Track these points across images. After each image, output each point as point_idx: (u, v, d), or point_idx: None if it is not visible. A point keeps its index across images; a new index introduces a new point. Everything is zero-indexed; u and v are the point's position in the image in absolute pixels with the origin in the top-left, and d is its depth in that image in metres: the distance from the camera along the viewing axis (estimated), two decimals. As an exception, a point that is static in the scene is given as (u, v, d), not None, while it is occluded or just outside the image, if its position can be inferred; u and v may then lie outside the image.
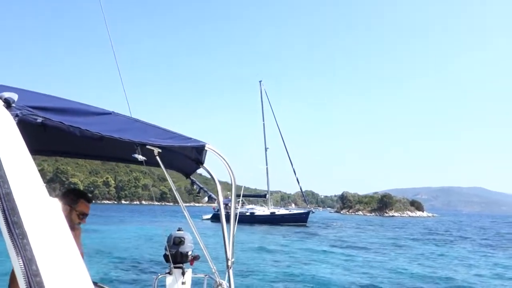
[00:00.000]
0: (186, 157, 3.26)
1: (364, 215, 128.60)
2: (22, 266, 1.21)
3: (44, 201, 1.40)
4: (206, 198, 3.30)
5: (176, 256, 4.17)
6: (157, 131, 2.56)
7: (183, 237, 4.25)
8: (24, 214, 1.27)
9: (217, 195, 3.13)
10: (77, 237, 3.29)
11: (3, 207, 1.23)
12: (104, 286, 3.67)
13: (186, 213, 2.99)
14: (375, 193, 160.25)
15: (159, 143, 2.49)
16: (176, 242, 4.23)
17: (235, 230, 3.35)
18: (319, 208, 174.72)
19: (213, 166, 3.15)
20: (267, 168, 64.01)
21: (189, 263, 4.27)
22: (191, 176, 3.77)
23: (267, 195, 65.15)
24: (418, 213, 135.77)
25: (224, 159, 2.97)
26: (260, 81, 65.03)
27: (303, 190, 67.38)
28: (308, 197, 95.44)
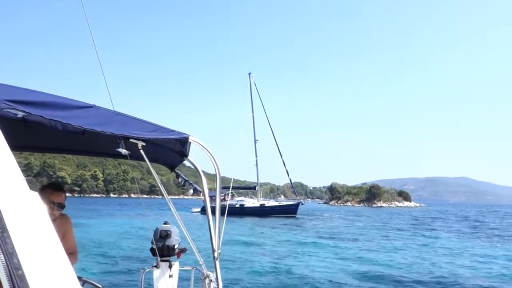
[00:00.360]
0: (170, 149, 3.25)
1: (353, 206, 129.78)
2: (3, 260, 1.20)
3: (24, 195, 1.40)
4: (191, 191, 3.30)
5: (163, 249, 4.16)
6: (140, 124, 2.54)
7: (169, 230, 4.24)
8: (3, 208, 1.27)
9: (202, 187, 3.12)
10: (60, 231, 3.26)
11: None
12: (89, 280, 3.66)
13: (171, 206, 2.99)
14: (364, 184, 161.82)
15: (142, 136, 2.46)
16: (162, 236, 4.22)
17: (221, 221, 3.36)
18: (308, 199, 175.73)
19: (199, 159, 3.15)
20: (256, 160, 64.15)
21: (176, 256, 4.28)
22: (175, 169, 3.77)
23: (256, 187, 65.32)
24: (406, 204, 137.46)
25: (208, 151, 2.96)
26: (249, 73, 64.93)
27: (292, 181, 67.67)
28: (297, 189, 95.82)
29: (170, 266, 4.18)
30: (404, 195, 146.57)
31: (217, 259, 3.27)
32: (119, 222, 38.02)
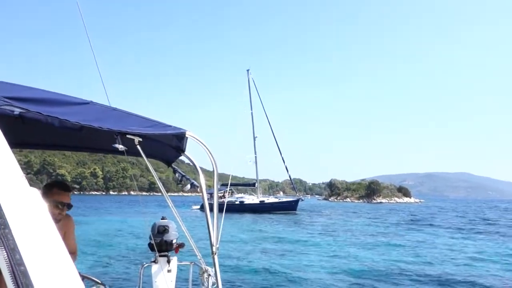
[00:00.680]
0: (167, 145, 3.25)
1: (352, 202, 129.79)
2: (6, 256, 1.21)
3: (24, 191, 1.41)
4: (188, 186, 3.31)
5: (161, 244, 4.18)
6: (136, 119, 2.55)
7: (167, 226, 4.26)
8: (4, 204, 1.27)
9: (200, 183, 3.14)
10: (62, 230, 3.27)
11: None
12: (89, 276, 3.68)
13: (168, 201, 3.00)
14: (363, 180, 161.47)
15: (139, 131, 2.46)
16: (160, 231, 4.24)
17: (219, 216, 3.38)
18: (307, 195, 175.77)
19: (196, 156, 3.16)
20: (255, 157, 64.12)
21: (174, 251, 4.30)
22: (172, 164, 3.78)
23: (256, 184, 65.30)
24: (406, 199, 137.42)
25: (205, 146, 2.98)
26: (247, 70, 64.84)
27: (291, 178, 67.68)
28: (296, 185, 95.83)
29: (168, 261, 4.19)
30: (403, 191, 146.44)
31: (215, 253, 3.27)
32: (118, 219, 38.11)
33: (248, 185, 70.46)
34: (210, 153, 3.05)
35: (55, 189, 3.31)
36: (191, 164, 3.10)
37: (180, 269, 4.43)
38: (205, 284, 3.78)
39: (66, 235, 3.50)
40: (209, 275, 3.72)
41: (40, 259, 1.32)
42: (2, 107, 1.84)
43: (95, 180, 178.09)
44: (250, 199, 63.42)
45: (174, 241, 4.26)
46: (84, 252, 17.34)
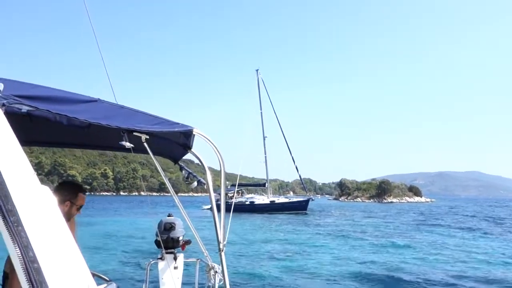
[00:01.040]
0: (174, 142, 3.25)
1: (363, 201, 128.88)
2: (19, 253, 1.23)
3: (36, 189, 1.44)
4: (195, 183, 3.32)
5: (168, 241, 4.20)
6: (143, 117, 2.55)
7: (173, 223, 4.29)
8: (17, 202, 1.30)
9: (207, 180, 3.14)
10: (72, 229, 3.31)
11: None
12: (96, 273, 3.72)
13: (176, 200, 3.02)
14: (373, 179, 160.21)
15: (146, 129, 2.46)
16: (166, 228, 4.26)
17: (227, 213, 3.39)
18: (317, 195, 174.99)
19: (204, 155, 3.17)
20: (265, 157, 63.96)
21: (180, 248, 4.33)
22: (179, 162, 3.79)
23: (266, 184, 65.19)
24: (417, 199, 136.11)
25: (212, 143, 2.98)
26: (257, 70, 64.76)
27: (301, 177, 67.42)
28: (306, 185, 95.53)
29: (175, 258, 4.21)
30: (414, 190, 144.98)
31: (222, 250, 3.28)
32: (127, 220, 38.38)
33: (258, 185, 70.43)
34: (217, 150, 3.05)
35: (81, 194, 3.37)
36: (199, 164, 3.11)
37: (186, 266, 4.45)
38: (212, 281, 3.79)
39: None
40: (216, 272, 3.74)
41: (53, 256, 1.34)
42: (10, 105, 1.86)
43: (105, 181, 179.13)
44: (260, 199, 63.33)
45: (180, 238, 4.28)
46: (92, 251, 17.56)
